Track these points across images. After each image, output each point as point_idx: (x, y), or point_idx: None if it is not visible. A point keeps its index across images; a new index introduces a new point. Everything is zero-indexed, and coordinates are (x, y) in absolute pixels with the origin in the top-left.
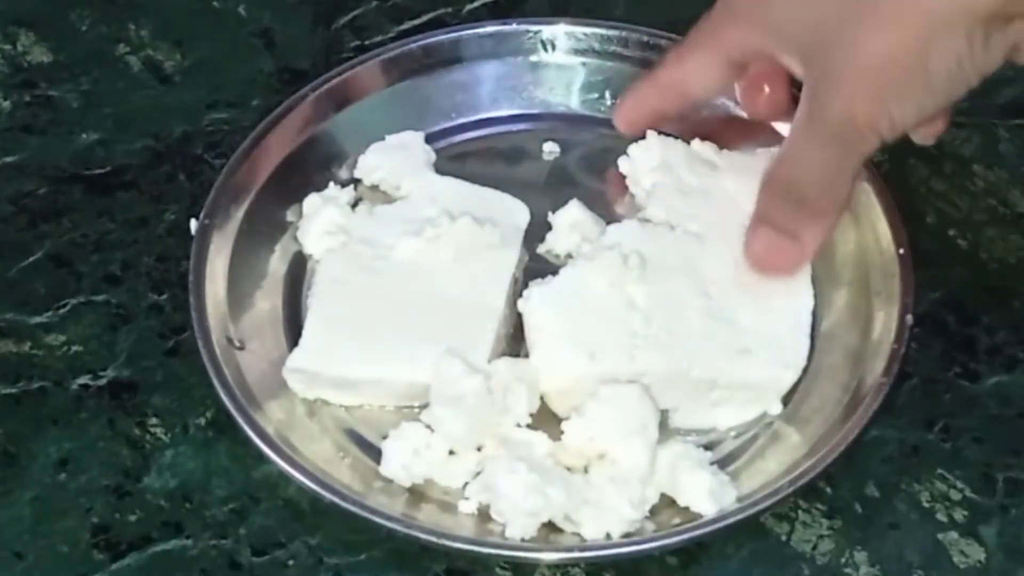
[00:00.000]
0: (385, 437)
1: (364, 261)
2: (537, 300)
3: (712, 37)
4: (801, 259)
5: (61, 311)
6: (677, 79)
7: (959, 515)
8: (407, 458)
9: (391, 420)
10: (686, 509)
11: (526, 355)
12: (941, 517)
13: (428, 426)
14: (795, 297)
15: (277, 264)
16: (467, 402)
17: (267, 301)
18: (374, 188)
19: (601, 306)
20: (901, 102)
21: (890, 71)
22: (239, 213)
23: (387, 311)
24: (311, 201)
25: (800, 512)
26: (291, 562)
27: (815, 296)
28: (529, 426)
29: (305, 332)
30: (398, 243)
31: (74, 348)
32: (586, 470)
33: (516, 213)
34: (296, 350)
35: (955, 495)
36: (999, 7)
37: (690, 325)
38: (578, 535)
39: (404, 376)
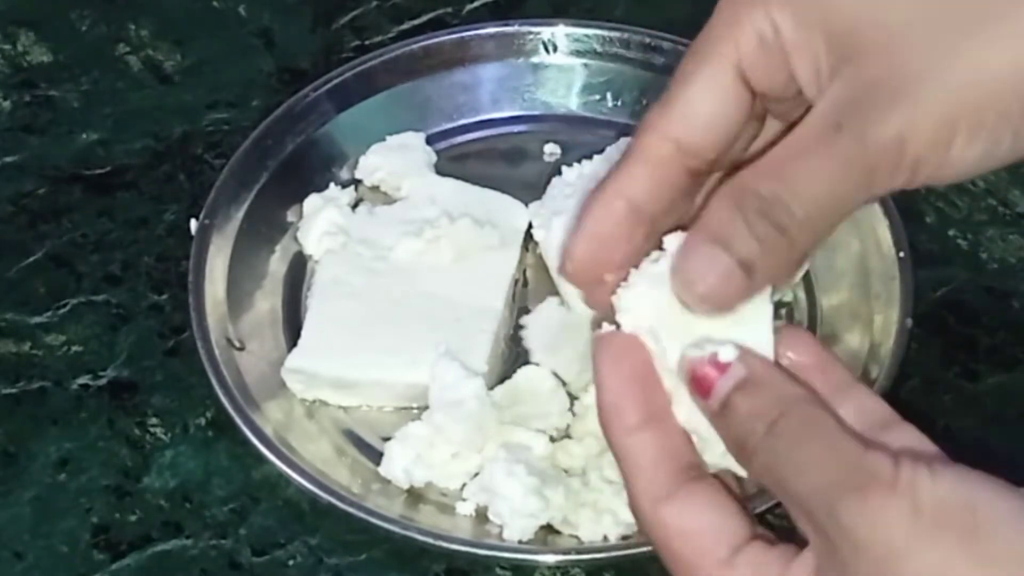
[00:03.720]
0: (386, 439)
1: (364, 262)
2: (558, 229)
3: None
4: (746, 298)
5: (61, 311)
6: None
7: None
8: (409, 461)
9: (390, 421)
10: None
11: (526, 357)
12: None
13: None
14: None
15: (277, 264)
16: (467, 406)
17: (267, 301)
18: (375, 189)
19: None
20: (975, 136)
21: (984, 92)
22: (239, 213)
23: (386, 312)
24: (311, 201)
25: None
26: (291, 562)
27: (815, 297)
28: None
29: (304, 332)
30: (398, 244)
31: (74, 348)
32: (584, 472)
33: (516, 215)
34: (295, 350)
35: None
36: None
37: None
38: (576, 537)
39: (403, 377)
